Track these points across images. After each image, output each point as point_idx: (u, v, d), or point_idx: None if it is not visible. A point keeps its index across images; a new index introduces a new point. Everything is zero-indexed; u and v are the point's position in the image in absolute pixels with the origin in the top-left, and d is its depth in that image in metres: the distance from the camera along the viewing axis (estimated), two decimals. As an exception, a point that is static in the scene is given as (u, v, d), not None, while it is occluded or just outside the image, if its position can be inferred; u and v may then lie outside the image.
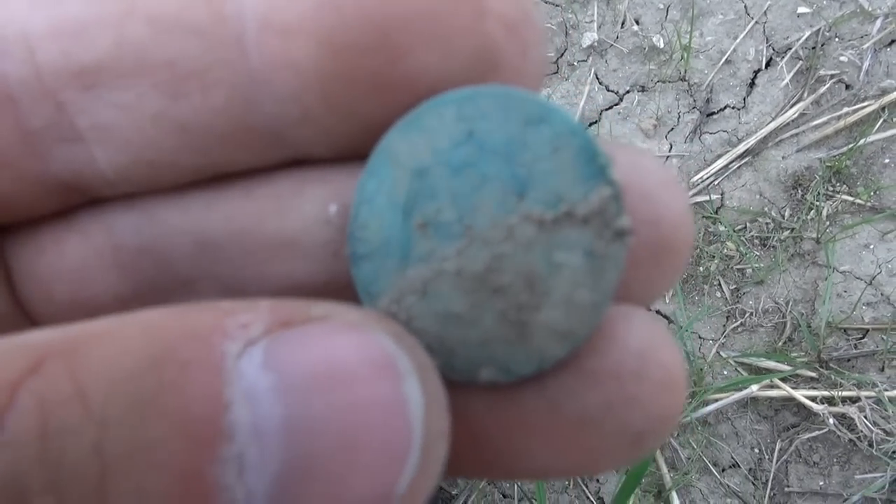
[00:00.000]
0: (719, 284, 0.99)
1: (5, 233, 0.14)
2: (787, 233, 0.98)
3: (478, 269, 0.11)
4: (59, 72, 0.12)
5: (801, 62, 1.03)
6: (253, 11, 0.11)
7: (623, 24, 1.08)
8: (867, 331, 0.94)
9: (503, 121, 0.11)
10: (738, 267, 0.98)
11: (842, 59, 1.02)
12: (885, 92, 0.99)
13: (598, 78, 1.08)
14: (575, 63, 1.09)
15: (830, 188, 0.99)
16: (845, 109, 1.00)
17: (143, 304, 0.13)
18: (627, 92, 1.07)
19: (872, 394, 0.90)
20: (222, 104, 0.12)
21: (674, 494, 0.91)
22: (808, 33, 1.04)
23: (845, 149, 0.98)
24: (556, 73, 1.09)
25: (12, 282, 0.15)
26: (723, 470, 0.93)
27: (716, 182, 1.01)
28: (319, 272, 0.13)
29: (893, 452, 0.88)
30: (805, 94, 1.02)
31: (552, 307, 0.11)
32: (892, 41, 1.01)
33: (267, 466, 0.09)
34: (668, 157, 1.03)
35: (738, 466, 0.93)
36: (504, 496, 0.94)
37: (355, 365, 0.09)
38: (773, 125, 1.01)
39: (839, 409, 0.90)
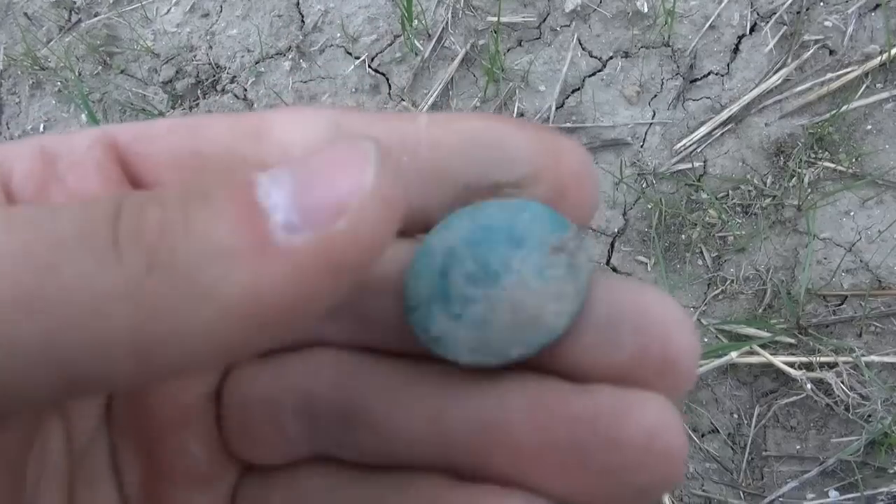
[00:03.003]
0: (701, 252, 0.99)
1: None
2: (768, 200, 0.98)
3: (501, 296, 0.16)
4: None
5: (785, 27, 1.02)
6: None
7: (606, -13, 1.06)
8: (846, 297, 0.95)
9: (499, 211, 0.17)
10: (720, 234, 0.98)
11: (826, 23, 1.01)
12: (868, 57, 0.99)
13: (581, 44, 1.07)
14: (558, 28, 1.07)
15: (812, 155, 0.99)
16: (829, 75, 1.00)
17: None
18: (611, 58, 1.06)
19: (850, 359, 0.91)
20: None
21: (654, 460, 0.93)
22: (792, -3, 1.02)
23: (828, 115, 0.98)
24: (539, 38, 1.07)
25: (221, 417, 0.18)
26: (702, 435, 0.94)
27: (699, 149, 1.01)
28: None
29: (869, 416, 0.89)
30: (789, 60, 1.01)
31: (550, 300, 0.16)
32: (877, 5, 1.00)
33: (284, 197, 0.13)
34: (651, 124, 1.02)
35: (718, 432, 0.94)
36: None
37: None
38: (756, 91, 1.00)
39: (817, 374, 0.91)
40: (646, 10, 1.04)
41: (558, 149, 0.17)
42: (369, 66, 1.10)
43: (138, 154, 0.17)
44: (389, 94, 1.09)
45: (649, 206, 1.00)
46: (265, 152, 0.17)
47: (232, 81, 1.13)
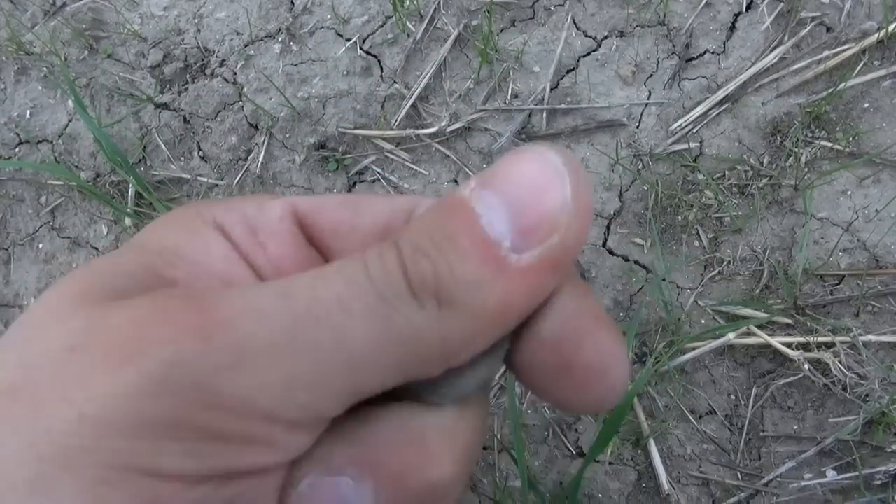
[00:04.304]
0: (697, 233, 0.98)
1: None
2: (765, 180, 0.97)
3: None
4: None
5: (781, 4, 1.01)
6: None
7: (601, -34, 1.05)
8: (843, 277, 0.94)
9: None
10: (717, 215, 0.98)
11: (823, 0, 1.00)
12: (865, 34, 0.98)
13: (575, 23, 1.05)
14: (551, 7, 1.06)
15: (809, 134, 0.98)
16: (826, 53, 0.98)
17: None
18: (605, 37, 1.04)
19: (847, 339, 0.90)
20: None
21: (652, 442, 0.92)
22: (789, -26, 1.01)
23: (825, 94, 0.97)
24: (533, 18, 1.06)
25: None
26: (700, 417, 0.94)
27: (695, 130, 1.00)
28: None
29: (866, 396, 0.89)
30: (786, 38, 1.00)
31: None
32: (875, -19, 0.99)
33: (504, 225, 0.18)
34: (646, 104, 1.01)
35: (715, 413, 0.94)
36: (484, 448, 0.94)
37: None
38: (752, 70, 0.99)
39: (814, 354, 0.90)
40: (641, -12, 1.03)
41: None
42: (361, 48, 1.08)
43: (312, 222, 0.23)
44: (381, 76, 1.07)
45: (645, 188, 0.99)
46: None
47: (221, 65, 1.11)
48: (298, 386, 0.18)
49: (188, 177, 1.10)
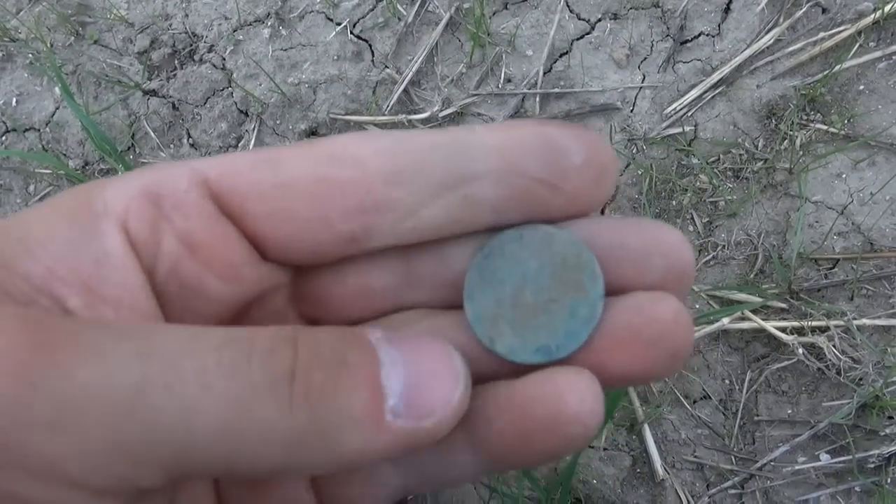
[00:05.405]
0: (692, 218, 0.98)
1: (303, 272, 0.23)
2: (760, 164, 0.97)
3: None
4: (377, 174, 0.20)
5: (777, -15, 0.99)
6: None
7: (594, -53, 1.03)
8: (837, 261, 0.94)
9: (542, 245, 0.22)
10: (711, 200, 0.97)
11: (819, -19, 0.99)
12: (861, 15, 0.97)
13: (568, 6, 1.04)
14: (544, -10, 1.04)
15: (804, 117, 0.97)
16: (821, 34, 0.97)
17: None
18: (599, 20, 1.03)
19: (841, 323, 0.90)
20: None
21: (646, 427, 0.92)
22: (785, -46, 1.00)
23: (820, 76, 0.96)
24: (525, 1, 1.04)
25: (301, 302, 0.24)
26: (694, 402, 0.94)
27: (689, 113, 0.99)
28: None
29: (860, 379, 0.89)
30: (781, 19, 0.99)
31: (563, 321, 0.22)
32: (871, -39, 0.97)
33: (398, 385, 0.19)
34: (641, 88, 1.00)
35: (709, 398, 0.94)
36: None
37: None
38: (747, 52, 0.98)
39: (808, 338, 0.90)
40: (634, -31, 1.01)
41: (594, 141, 0.21)
42: (351, 33, 1.06)
43: (226, 188, 0.21)
44: (373, 61, 1.06)
45: (639, 172, 0.98)
46: (342, 171, 0.20)
47: (210, 51, 1.10)
48: (120, 457, 0.16)
49: (178, 164, 1.08)
